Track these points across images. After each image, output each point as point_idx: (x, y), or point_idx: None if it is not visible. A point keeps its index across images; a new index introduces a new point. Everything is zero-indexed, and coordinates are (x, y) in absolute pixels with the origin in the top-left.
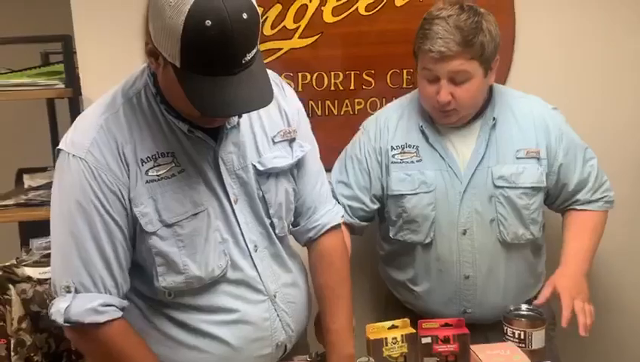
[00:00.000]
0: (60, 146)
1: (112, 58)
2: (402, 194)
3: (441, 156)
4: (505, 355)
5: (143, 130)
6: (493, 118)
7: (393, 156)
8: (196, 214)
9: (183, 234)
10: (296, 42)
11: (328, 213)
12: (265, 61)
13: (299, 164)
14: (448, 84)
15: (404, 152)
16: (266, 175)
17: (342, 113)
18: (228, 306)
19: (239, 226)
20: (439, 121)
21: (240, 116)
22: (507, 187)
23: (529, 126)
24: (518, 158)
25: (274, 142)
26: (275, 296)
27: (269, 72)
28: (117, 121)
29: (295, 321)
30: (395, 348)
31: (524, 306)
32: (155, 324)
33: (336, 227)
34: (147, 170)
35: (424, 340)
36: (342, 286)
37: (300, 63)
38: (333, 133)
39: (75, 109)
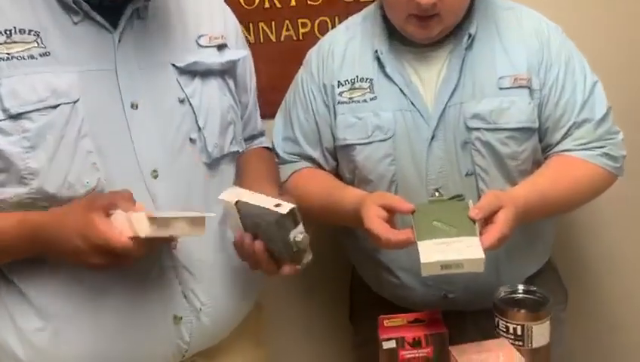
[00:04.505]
0: None
1: None
2: (351, 145)
3: (401, 91)
4: (497, 361)
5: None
6: (469, 35)
7: (340, 94)
8: (56, 106)
9: (32, 130)
10: None
11: (260, 138)
12: None
13: (236, 77)
14: None
15: (354, 88)
16: (190, 74)
17: (282, 39)
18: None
19: (132, 139)
20: (415, 36)
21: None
22: (486, 129)
23: (518, 45)
24: (501, 89)
25: (199, 45)
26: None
27: None
28: None
29: (206, 291)
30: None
31: (520, 287)
32: None
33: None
34: None
35: (386, 345)
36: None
37: None
38: (273, 68)
39: None
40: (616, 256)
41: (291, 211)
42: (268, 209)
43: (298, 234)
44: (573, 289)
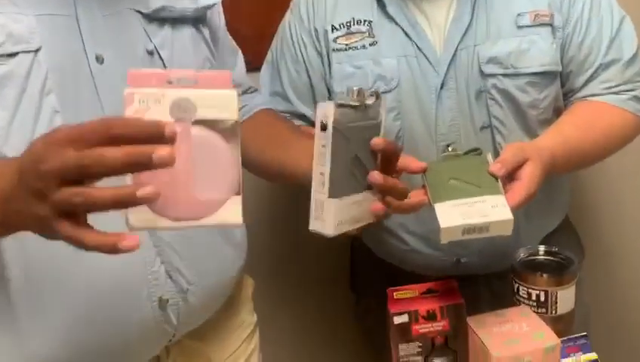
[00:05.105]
0: None
1: None
2: None
3: (406, 34)
4: (520, 332)
5: None
6: None
7: (335, 40)
8: (15, 55)
9: None
10: None
11: (256, 98)
12: None
13: (211, 30)
14: None
15: (351, 33)
16: (158, 22)
17: None
18: None
19: (99, 98)
20: None
21: None
22: (503, 75)
23: None
24: (520, 28)
25: None
26: None
27: None
28: None
29: (190, 267)
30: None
31: (541, 249)
32: None
33: (270, 110)
34: None
35: (397, 319)
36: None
37: None
38: (257, 14)
39: None
40: (630, 207)
41: (335, 108)
42: (326, 146)
43: (362, 100)
44: (587, 244)
